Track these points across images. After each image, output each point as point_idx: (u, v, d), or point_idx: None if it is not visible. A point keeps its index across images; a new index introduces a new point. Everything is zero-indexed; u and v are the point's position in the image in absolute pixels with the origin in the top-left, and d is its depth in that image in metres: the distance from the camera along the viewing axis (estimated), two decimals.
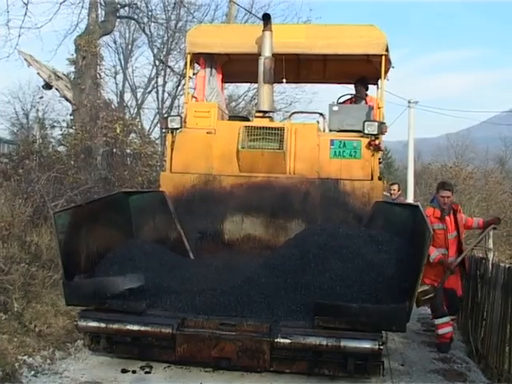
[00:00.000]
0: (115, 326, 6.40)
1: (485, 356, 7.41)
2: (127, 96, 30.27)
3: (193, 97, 9.83)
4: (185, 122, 9.06)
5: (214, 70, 9.83)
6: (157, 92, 29.38)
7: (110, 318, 6.43)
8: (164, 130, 10.18)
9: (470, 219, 8.91)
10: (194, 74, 10.12)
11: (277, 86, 25.80)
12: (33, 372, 6.51)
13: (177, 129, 8.90)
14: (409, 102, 30.24)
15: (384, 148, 9.61)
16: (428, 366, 7.46)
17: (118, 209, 8.03)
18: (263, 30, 8.84)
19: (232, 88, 27.32)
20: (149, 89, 29.98)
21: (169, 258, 7.66)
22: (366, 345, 5.98)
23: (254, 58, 8.99)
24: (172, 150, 8.92)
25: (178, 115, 9.24)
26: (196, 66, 10.11)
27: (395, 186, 14.07)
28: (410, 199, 25.67)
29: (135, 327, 6.34)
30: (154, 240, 8.09)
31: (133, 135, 17.38)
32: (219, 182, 8.63)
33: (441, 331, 8.35)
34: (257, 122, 8.88)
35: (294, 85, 26.59)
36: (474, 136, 65.72)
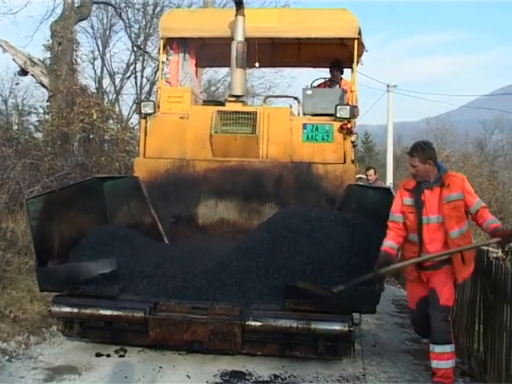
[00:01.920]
0: (88, 311, 6.42)
1: (455, 336, 7.51)
2: (106, 82, 29.99)
3: (167, 82, 9.82)
4: (158, 108, 9.05)
5: (187, 55, 9.79)
6: (135, 78, 29.11)
7: (83, 303, 6.45)
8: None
9: (483, 214, 5.86)
10: (167, 59, 10.10)
11: (256, 71, 25.85)
12: (7, 357, 6.52)
13: (150, 114, 8.91)
14: (387, 85, 30.35)
15: (357, 132, 9.62)
16: (399, 347, 7.58)
17: (92, 194, 8.03)
18: (236, 15, 8.79)
19: (211, 73, 27.31)
20: (127, 74, 29.70)
21: (143, 243, 7.68)
22: (336, 327, 6.03)
23: (227, 42, 8.95)
24: (145, 135, 8.93)
25: (152, 101, 9.19)
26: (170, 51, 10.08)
27: (371, 172, 13.81)
28: (389, 183, 25.77)
29: (108, 312, 6.37)
30: (128, 225, 8.12)
31: (111, 121, 17.35)
32: (193, 167, 8.62)
33: (441, 364, 5.81)
34: (229, 107, 8.85)
35: (272, 69, 26.70)
36: (454, 119, 66.03)
